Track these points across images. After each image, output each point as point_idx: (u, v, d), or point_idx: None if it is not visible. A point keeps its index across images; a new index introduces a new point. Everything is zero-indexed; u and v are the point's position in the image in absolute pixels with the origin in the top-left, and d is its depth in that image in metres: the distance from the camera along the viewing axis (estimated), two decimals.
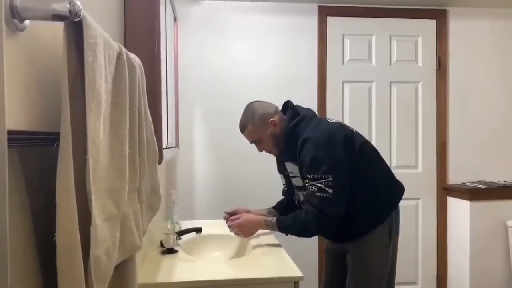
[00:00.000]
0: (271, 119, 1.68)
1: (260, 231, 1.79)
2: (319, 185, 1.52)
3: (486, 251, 2.77)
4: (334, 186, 1.52)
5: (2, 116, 0.49)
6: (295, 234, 1.66)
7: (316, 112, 2.81)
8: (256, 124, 1.68)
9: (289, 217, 1.64)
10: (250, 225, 1.73)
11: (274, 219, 1.67)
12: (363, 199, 1.61)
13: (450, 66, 2.97)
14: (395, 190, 1.72)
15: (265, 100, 1.77)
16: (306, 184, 1.58)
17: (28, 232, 0.62)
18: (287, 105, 1.76)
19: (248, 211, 1.84)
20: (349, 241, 1.67)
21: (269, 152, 1.76)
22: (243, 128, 1.72)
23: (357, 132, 1.69)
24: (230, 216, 1.81)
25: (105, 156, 0.70)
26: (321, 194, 1.53)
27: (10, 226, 0.50)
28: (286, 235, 1.67)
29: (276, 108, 1.75)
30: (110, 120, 0.74)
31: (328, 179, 1.51)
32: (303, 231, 1.63)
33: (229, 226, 1.76)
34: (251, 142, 1.75)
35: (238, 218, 1.74)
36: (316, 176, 1.53)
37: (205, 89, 2.80)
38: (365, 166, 1.62)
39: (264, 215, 1.76)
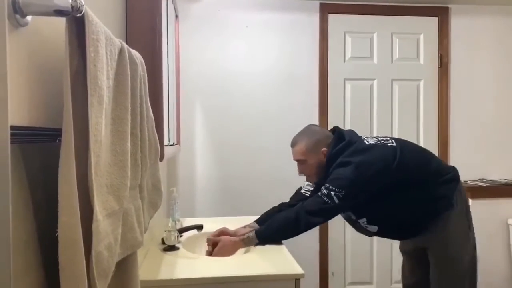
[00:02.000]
0: (324, 149, 1.67)
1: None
2: (331, 192, 1.55)
3: (487, 249, 2.76)
4: (342, 199, 1.55)
5: (5, 111, 0.49)
6: (277, 238, 1.66)
7: (317, 110, 2.86)
8: (309, 146, 1.68)
9: (265, 225, 1.67)
10: (228, 249, 1.65)
11: (252, 233, 1.64)
12: (412, 202, 1.62)
13: (452, 64, 2.96)
14: (447, 184, 1.68)
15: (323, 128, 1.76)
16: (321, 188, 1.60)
17: (30, 227, 0.62)
18: (334, 129, 1.75)
19: (227, 232, 1.77)
20: (418, 236, 1.67)
21: (307, 176, 1.75)
22: (295, 143, 1.71)
23: (392, 143, 1.65)
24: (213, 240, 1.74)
25: (107, 152, 0.71)
26: (326, 200, 1.55)
27: (12, 222, 0.51)
28: (266, 243, 1.65)
29: (332, 139, 1.72)
30: (112, 116, 0.74)
31: (341, 193, 1.55)
32: (283, 230, 1.63)
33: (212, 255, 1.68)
34: (294, 159, 1.73)
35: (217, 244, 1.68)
36: (331, 187, 1.56)
37: (206, 86, 2.79)
38: (406, 175, 1.61)
39: (246, 233, 1.70)
